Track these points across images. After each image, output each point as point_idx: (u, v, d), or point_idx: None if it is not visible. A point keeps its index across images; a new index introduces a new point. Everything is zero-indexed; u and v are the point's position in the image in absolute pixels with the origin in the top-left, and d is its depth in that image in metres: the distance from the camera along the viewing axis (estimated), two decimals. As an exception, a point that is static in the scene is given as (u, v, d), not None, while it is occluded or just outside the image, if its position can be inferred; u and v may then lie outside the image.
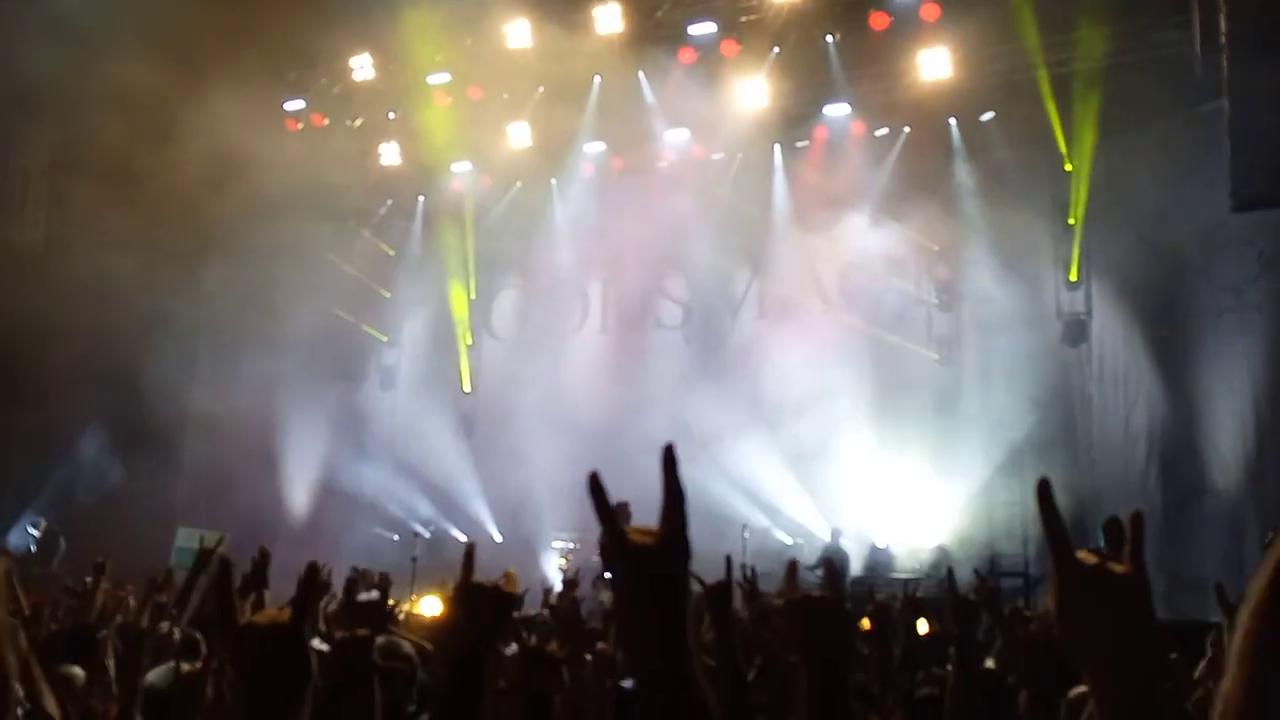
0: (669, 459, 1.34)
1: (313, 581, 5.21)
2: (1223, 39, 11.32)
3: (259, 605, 4.28)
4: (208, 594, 5.48)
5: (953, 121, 15.21)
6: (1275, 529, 11.43)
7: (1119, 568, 1.33)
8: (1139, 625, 1.31)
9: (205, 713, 3.30)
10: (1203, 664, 3.86)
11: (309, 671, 1.88)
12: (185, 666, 3.46)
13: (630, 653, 1.35)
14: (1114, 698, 1.29)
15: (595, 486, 1.38)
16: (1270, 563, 1.15)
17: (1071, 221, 14.34)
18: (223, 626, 1.87)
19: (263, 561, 4.76)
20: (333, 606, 6.91)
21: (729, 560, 3.03)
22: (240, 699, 1.84)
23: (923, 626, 10.67)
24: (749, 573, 5.34)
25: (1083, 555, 1.35)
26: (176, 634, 4.73)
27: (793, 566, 3.01)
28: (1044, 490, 1.38)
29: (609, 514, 1.37)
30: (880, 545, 14.00)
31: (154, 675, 3.50)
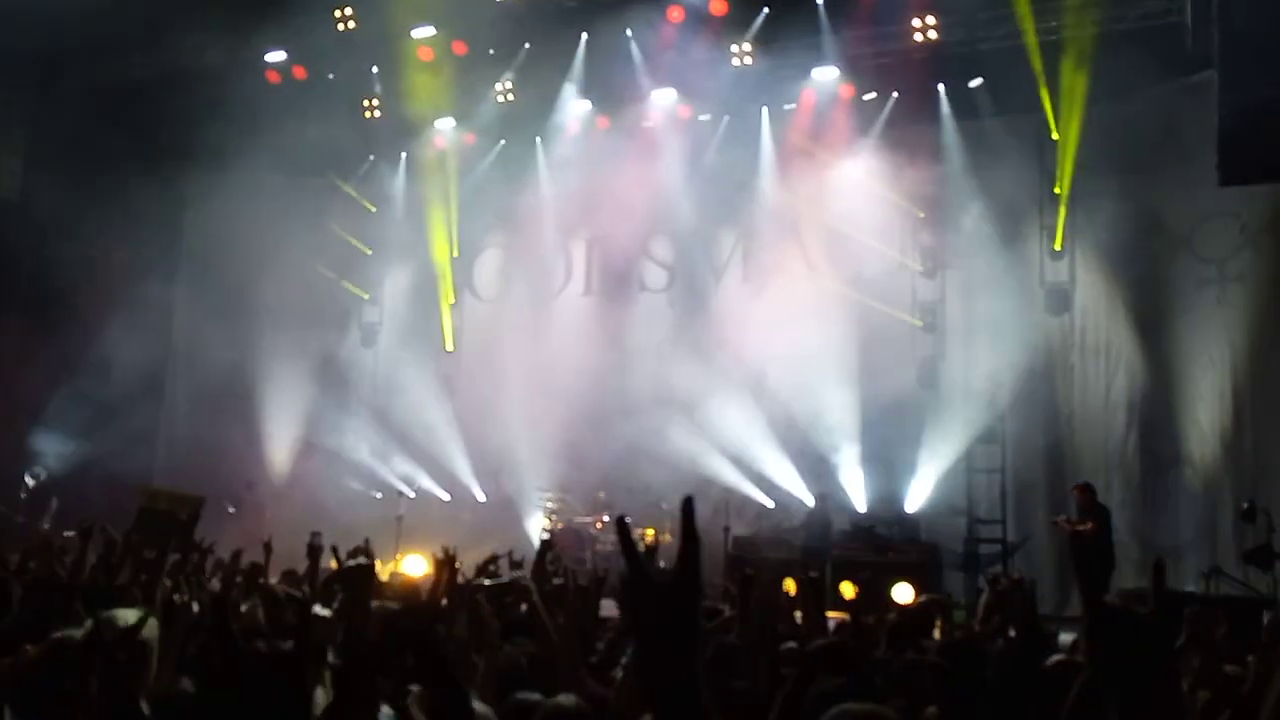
0: (687, 509, 1.43)
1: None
2: (1214, 10, 11.30)
3: (268, 591, 4.27)
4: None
5: (941, 87, 15.15)
6: (1250, 500, 11.65)
7: (1142, 610, 1.50)
8: (1157, 660, 1.50)
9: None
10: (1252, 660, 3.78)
11: (308, 699, 1.90)
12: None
13: (647, 684, 1.42)
14: None
15: (622, 528, 1.48)
16: None
17: (1057, 190, 14.33)
18: (221, 653, 1.87)
19: (266, 554, 4.80)
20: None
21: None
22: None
23: (907, 594, 10.80)
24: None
25: (1109, 599, 1.53)
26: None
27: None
28: (1077, 545, 1.59)
29: (633, 551, 1.46)
30: (861, 510, 14.10)
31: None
